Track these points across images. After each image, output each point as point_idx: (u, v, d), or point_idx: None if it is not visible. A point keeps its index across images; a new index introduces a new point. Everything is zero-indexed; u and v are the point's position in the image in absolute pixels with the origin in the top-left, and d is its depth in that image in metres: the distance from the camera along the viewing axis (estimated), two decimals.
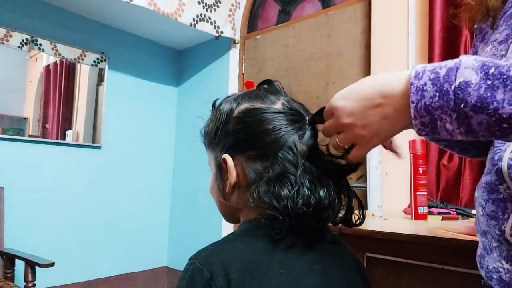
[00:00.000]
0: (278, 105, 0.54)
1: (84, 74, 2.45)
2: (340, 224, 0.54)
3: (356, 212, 0.56)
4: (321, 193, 0.48)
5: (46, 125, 2.27)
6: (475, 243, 0.77)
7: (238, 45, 2.68)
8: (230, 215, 0.59)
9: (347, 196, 0.53)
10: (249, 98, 0.55)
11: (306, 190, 0.47)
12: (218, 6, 2.55)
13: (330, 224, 0.54)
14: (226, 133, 0.54)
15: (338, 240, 0.56)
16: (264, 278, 0.44)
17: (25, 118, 2.19)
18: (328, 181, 0.50)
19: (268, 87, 0.58)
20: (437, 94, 0.39)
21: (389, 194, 1.52)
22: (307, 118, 0.54)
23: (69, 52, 2.37)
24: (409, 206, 1.24)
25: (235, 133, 0.53)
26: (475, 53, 0.64)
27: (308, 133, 0.53)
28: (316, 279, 0.47)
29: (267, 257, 0.46)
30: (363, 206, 0.55)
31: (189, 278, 0.44)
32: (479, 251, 0.59)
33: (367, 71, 1.92)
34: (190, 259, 0.47)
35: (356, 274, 0.55)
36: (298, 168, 0.49)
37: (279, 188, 0.48)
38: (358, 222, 0.55)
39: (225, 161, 0.53)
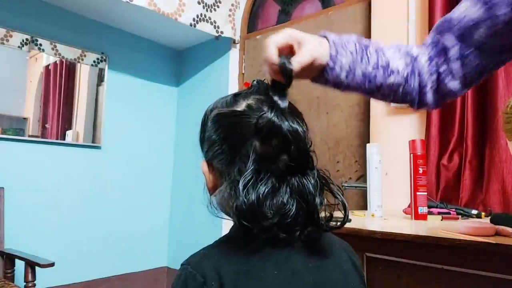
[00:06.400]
0: (242, 107, 0.52)
1: (84, 74, 2.45)
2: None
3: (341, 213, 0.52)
4: (252, 196, 0.45)
5: (46, 125, 2.27)
6: (475, 243, 0.77)
7: (238, 45, 2.68)
8: (226, 214, 0.60)
9: (306, 196, 0.48)
10: (218, 103, 0.56)
11: (243, 198, 0.45)
12: (218, 6, 2.55)
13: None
14: (203, 139, 0.57)
15: (332, 236, 0.56)
16: (259, 279, 0.44)
17: (25, 118, 2.19)
18: (289, 182, 0.48)
19: (256, 85, 0.57)
20: None
21: (389, 194, 1.52)
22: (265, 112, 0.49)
23: (69, 52, 2.37)
24: (409, 206, 1.24)
25: (207, 139, 0.55)
26: None
27: (266, 130, 0.48)
28: (313, 277, 0.47)
29: (261, 258, 0.46)
30: (345, 206, 0.50)
31: (182, 283, 0.45)
32: None
33: None
34: (182, 265, 0.47)
35: (351, 270, 0.54)
36: (246, 172, 0.46)
37: (228, 197, 0.49)
38: (338, 225, 0.50)
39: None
